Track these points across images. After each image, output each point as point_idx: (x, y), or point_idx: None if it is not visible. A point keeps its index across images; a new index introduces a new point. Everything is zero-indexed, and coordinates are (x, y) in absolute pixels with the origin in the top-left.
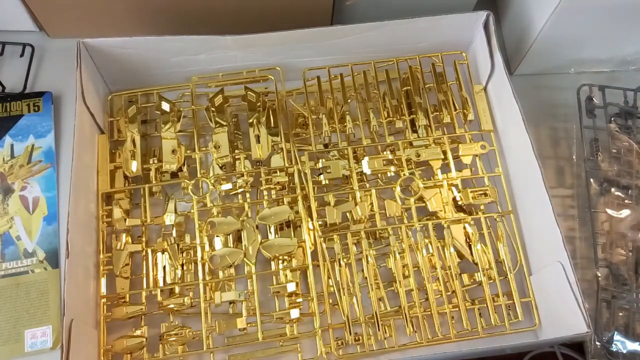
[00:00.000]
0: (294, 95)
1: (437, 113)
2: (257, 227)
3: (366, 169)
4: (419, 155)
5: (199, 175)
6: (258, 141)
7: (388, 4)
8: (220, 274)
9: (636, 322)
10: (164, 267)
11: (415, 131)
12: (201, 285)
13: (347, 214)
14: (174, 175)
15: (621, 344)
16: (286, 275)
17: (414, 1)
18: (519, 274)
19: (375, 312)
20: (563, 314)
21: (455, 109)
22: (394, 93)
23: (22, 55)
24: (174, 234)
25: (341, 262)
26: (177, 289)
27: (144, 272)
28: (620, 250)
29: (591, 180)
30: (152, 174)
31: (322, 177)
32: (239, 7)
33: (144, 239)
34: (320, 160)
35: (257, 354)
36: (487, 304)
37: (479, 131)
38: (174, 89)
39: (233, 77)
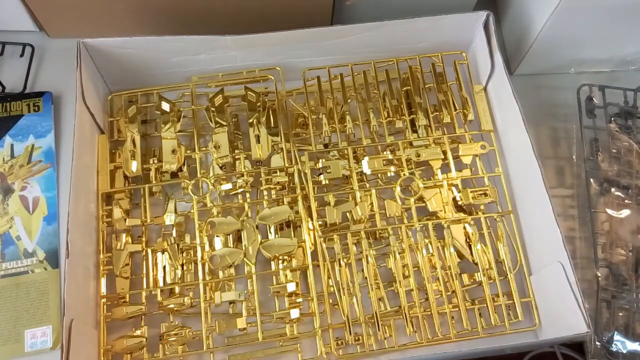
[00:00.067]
0: (294, 95)
1: (437, 113)
2: (257, 227)
3: (366, 169)
4: (419, 155)
5: (199, 175)
6: (258, 141)
7: (388, 4)
8: (220, 274)
9: (636, 322)
10: (164, 267)
11: (415, 131)
12: (201, 285)
13: (347, 214)
14: (174, 175)
15: (621, 344)
16: (286, 275)
17: (414, 1)
18: (519, 274)
19: (375, 312)
20: (563, 314)
21: (455, 109)
22: (394, 93)
23: (22, 55)
24: (174, 234)
25: (341, 262)
26: (177, 289)
27: (144, 272)
28: (620, 250)
29: (591, 180)
30: (152, 174)
31: (322, 177)
32: (239, 7)
33: (144, 239)
34: (320, 160)
35: (257, 354)
36: (487, 304)
37: (479, 131)
38: (174, 89)
39: (233, 77)
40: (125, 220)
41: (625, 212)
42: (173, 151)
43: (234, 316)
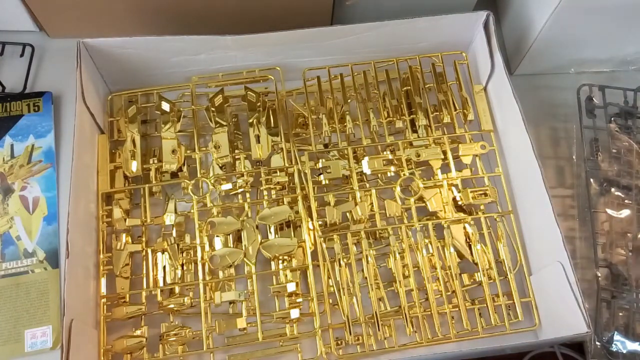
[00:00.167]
0: (294, 95)
1: (437, 113)
2: (257, 227)
3: (366, 169)
4: (419, 155)
5: (199, 175)
6: (258, 141)
7: (388, 4)
8: (220, 274)
9: (636, 322)
10: (164, 267)
11: (415, 131)
12: (201, 285)
13: (347, 214)
14: (174, 175)
15: (621, 344)
16: (286, 275)
17: (414, 1)
18: (519, 274)
19: (375, 312)
20: (563, 314)
21: (455, 109)
22: (394, 93)
23: (22, 55)
24: (174, 234)
25: (341, 262)
26: (177, 289)
27: (144, 272)
28: (620, 250)
29: (591, 180)
30: (152, 174)
31: (322, 177)
32: (239, 7)
33: (144, 239)
34: (320, 160)
35: (257, 354)
36: (487, 304)
37: (479, 131)
38: (174, 89)
39: (233, 77)
40: (125, 220)
41: (625, 212)
42: (173, 151)
43: (234, 316)
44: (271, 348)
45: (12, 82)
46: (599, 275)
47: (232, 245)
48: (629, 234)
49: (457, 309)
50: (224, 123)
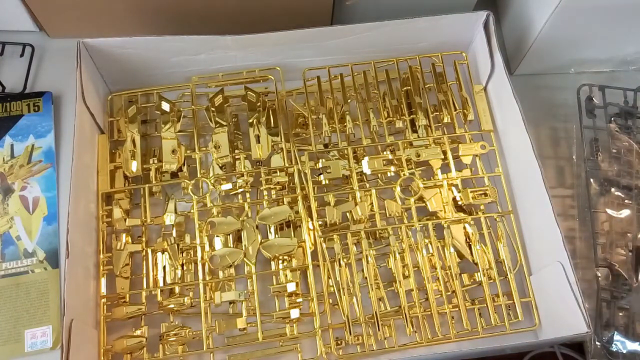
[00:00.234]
0: (294, 95)
1: (437, 113)
2: (257, 227)
3: (366, 169)
4: (419, 155)
5: (199, 175)
6: (258, 141)
7: (388, 4)
8: (220, 274)
9: (636, 322)
10: (164, 267)
11: (415, 131)
12: (201, 285)
13: (347, 214)
14: (174, 175)
15: (621, 344)
16: (286, 275)
17: (414, 1)
18: (519, 274)
19: (375, 312)
20: (563, 314)
21: (455, 109)
22: (394, 93)
23: (22, 55)
24: (174, 234)
25: (341, 262)
26: (177, 289)
27: (144, 272)
28: (620, 250)
29: (591, 180)
30: (152, 174)
31: (322, 177)
32: (239, 7)
33: (144, 239)
34: (320, 160)
35: (257, 354)
36: (487, 304)
37: (479, 131)
38: (174, 89)
39: (233, 77)
40: (125, 220)
41: (625, 212)
42: (173, 151)
43: (234, 316)
44: (271, 348)
45: (12, 82)
46: (599, 275)
47: (232, 245)
48: (629, 234)
49: (457, 309)
50: (224, 123)
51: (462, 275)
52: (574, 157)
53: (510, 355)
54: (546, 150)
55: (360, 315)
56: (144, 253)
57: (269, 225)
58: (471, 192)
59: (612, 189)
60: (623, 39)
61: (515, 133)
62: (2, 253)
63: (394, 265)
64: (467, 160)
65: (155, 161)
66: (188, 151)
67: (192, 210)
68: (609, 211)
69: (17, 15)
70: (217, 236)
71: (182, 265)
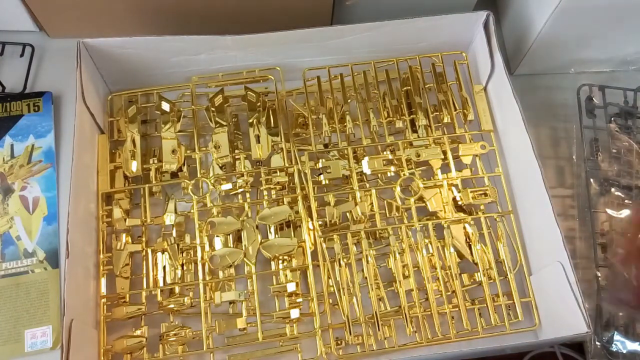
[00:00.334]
0: (294, 95)
1: (437, 113)
2: (257, 227)
3: (366, 169)
4: (419, 155)
5: (199, 175)
6: (258, 141)
7: (388, 4)
8: (220, 274)
9: (636, 322)
10: (164, 267)
11: (415, 131)
12: (201, 285)
13: (347, 214)
14: (174, 175)
15: (621, 344)
16: (286, 275)
17: (414, 1)
18: (519, 274)
19: (375, 312)
20: (563, 314)
21: (455, 109)
22: (394, 93)
23: (22, 55)
24: (174, 234)
25: (341, 262)
26: (177, 289)
27: (144, 272)
28: (620, 250)
29: (591, 180)
30: (152, 174)
31: (322, 177)
32: (239, 7)
33: (144, 239)
34: (320, 160)
35: (257, 354)
36: (487, 304)
37: (479, 131)
38: (174, 89)
39: (233, 77)
40: (125, 220)
41: (625, 212)
42: (173, 151)
43: (234, 316)
44: (271, 348)
45: (12, 82)
46: (599, 275)
47: (232, 245)
48: (629, 234)
49: (457, 309)
50: (224, 123)
51: (462, 275)
52: (574, 157)
53: (510, 355)
54: (546, 150)
55: (360, 315)
56: (144, 253)
57: (269, 225)
58: (471, 192)
59: (612, 189)
60: (623, 39)
61: (515, 133)
62: (2, 253)
63: (394, 265)
64: (467, 160)
65: (155, 161)
66: (188, 151)
67: (192, 210)
68: (609, 211)
69: (17, 15)
70: (217, 236)
71: (182, 265)
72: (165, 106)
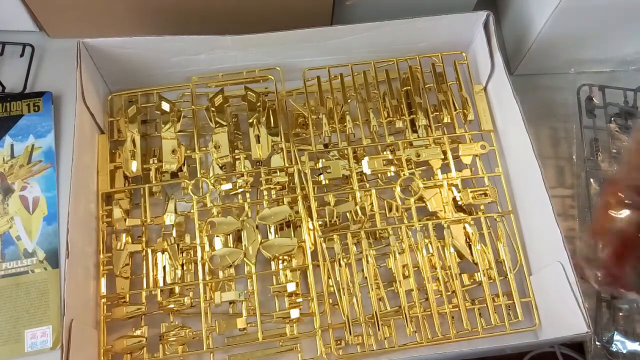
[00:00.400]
0: (294, 95)
1: (437, 113)
2: (257, 227)
3: (366, 169)
4: (419, 155)
5: (199, 175)
6: (258, 141)
7: (388, 4)
8: (220, 274)
9: (636, 322)
10: (164, 267)
11: (415, 131)
12: (201, 285)
13: (347, 214)
14: (174, 175)
15: (621, 344)
16: (286, 275)
17: (414, 1)
18: (519, 274)
19: (375, 312)
20: (563, 314)
21: (455, 109)
22: (394, 93)
23: (22, 55)
24: (174, 234)
25: (341, 262)
26: (177, 289)
27: (144, 272)
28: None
29: (591, 180)
30: (152, 174)
31: (322, 177)
32: (239, 7)
33: (144, 239)
34: (320, 160)
35: (257, 354)
36: (487, 304)
37: (479, 131)
38: (174, 89)
39: (233, 77)
40: (125, 220)
41: (625, 212)
42: (173, 151)
43: (234, 316)
44: (271, 348)
45: (12, 82)
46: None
47: (232, 245)
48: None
49: (457, 309)
50: (224, 123)
51: (462, 275)
52: (573, 157)
53: (510, 355)
54: (546, 150)
55: (360, 315)
56: (144, 253)
57: (269, 225)
58: (471, 192)
59: None
60: (623, 39)
61: (515, 133)
62: (2, 253)
63: (394, 265)
64: (467, 160)
65: (155, 161)
66: (188, 151)
67: (192, 210)
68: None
69: (17, 15)
70: (217, 236)
71: (182, 265)
72: (165, 106)
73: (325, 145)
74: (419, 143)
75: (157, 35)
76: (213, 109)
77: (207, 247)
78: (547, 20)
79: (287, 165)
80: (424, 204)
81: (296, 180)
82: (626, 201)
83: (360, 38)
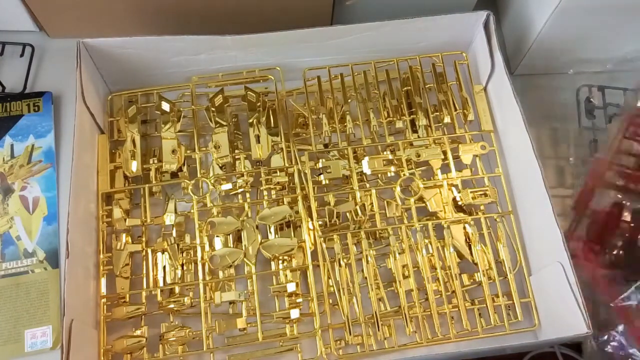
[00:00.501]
0: (294, 95)
1: (437, 113)
2: (257, 227)
3: (366, 169)
4: (419, 155)
5: (199, 175)
6: (258, 141)
7: (388, 4)
8: (220, 274)
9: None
10: (164, 267)
11: (415, 131)
12: (201, 285)
13: (347, 214)
14: (174, 175)
15: (618, 344)
16: (286, 275)
17: (414, 1)
18: (518, 274)
19: (375, 312)
20: (563, 314)
21: (456, 109)
22: (394, 93)
23: (22, 55)
24: (174, 234)
25: (341, 262)
26: (177, 289)
27: (144, 272)
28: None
29: None
30: (152, 174)
31: (322, 177)
32: (239, 7)
33: (144, 239)
34: (320, 160)
35: (257, 354)
36: (486, 304)
37: (479, 131)
38: (174, 89)
39: (233, 77)
40: (125, 220)
41: (609, 193)
42: (173, 151)
43: (234, 316)
44: (271, 348)
45: (12, 82)
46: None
47: (232, 245)
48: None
49: (457, 309)
50: (224, 123)
51: (462, 275)
52: (570, 159)
53: (510, 356)
54: (546, 150)
55: (360, 315)
56: (144, 253)
57: (269, 225)
58: (471, 192)
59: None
60: (623, 39)
61: (515, 133)
62: (2, 253)
63: (393, 266)
64: (467, 160)
65: (155, 161)
66: (188, 151)
67: (192, 210)
68: (594, 190)
69: (17, 15)
70: (217, 236)
71: (182, 265)
72: (165, 106)
73: (325, 145)
74: (419, 143)
75: (157, 35)
76: (213, 109)
77: (207, 247)
78: (547, 20)
79: (287, 165)
80: (424, 204)
81: (296, 180)
82: (610, 182)
83: (360, 38)
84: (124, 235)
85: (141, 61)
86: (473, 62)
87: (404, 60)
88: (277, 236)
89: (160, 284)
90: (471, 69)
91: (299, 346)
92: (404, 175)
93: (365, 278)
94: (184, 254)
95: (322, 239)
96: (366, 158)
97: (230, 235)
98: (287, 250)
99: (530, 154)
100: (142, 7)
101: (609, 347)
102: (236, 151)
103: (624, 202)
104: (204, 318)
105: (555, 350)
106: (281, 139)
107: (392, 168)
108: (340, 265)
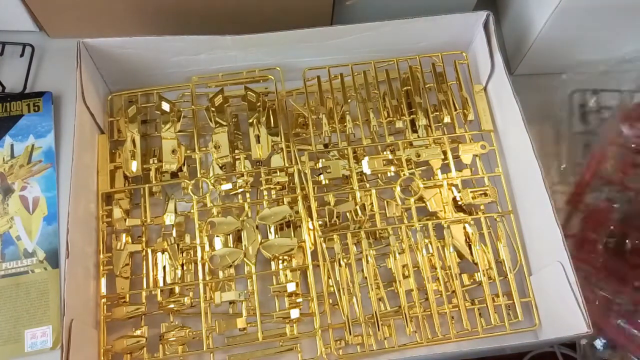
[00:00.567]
0: (294, 95)
1: (437, 113)
2: (257, 227)
3: (366, 169)
4: (419, 155)
5: (199, 175)
6: (258, 141)
7: (388, 4)
8: (220, 274)
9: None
10: (164, 267)
11: (415, 131)
12: (201, 285)
13: (347, 214)
14: (174, 175)
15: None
16: (286, 275)
17: (414, 1)
18: (518, 274)
19: (375, 312)
20: (563, 314)
21: (456, 109)
22: (394, 93)
23: (22, 55)
24: (174, 234)
25: (341, 262)
26: (177, 289)
27: (144, 272)
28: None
29: None
30: (152, 174)
31: (322, 177)
32: (239, 7)
33: (144, 239)
34: (320, 160)
35: (257, 354)
36: (487, 304)
37: (479, 131)
38: (174, 89)
39: (233, 77)
40: (125, 220)
41: (603, 187)
42: (173, 151)
43: (234, 316)
44: (271, 348)
45: (12, 82)
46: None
47: (232, 245)
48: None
49: (457, 309)
50: (224, 123)
51: (462, 275)
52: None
53: (510, 355)
54: (546, 150)
55: (360, 315)
56: (144, 253)
57: (269, 225)
58: (471, 192)
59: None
60: (622, 39)
61: (515, 133)
62: (2, 253)
63: (393, 265)
64: (467, 160)
65: (155, 161)
66: (188, 151)
67: (192, 210)
68: (590, 184)
69: (17, 15)
70: (217, 236)
71: (182, 265)
72: (165, 106)
73: (325, 145)
74: (419, 143)
75: (157, 35)
76: (213, 109)
77: (207, 247)
78: (547, 20)
79: (287, 165)
80: (424, 204)
81: (296, 180)
82: (604, 176)
83: (360, 38)
84: (124, 235)
85: (141, 61)
86: (473, 62)
87: (404, 60)
88: (277, 236)
89: (160, 284)
90: (471, 68)
91: (299, 346)
92: (404, 175)
93: (365, 278)
94: (184, 254)
95: (322, 239)
96: (366, 158)
97: (230, 235)
98: (287, 250)
99: (530, 153)
100: (142, 7)
101: (599, 345)
102: (236, 151)
103: (616, 197)
104: (204, 318)
105: (555, 350)
106: (281, 139)
107: (392, 168)
108: (340, 265)
